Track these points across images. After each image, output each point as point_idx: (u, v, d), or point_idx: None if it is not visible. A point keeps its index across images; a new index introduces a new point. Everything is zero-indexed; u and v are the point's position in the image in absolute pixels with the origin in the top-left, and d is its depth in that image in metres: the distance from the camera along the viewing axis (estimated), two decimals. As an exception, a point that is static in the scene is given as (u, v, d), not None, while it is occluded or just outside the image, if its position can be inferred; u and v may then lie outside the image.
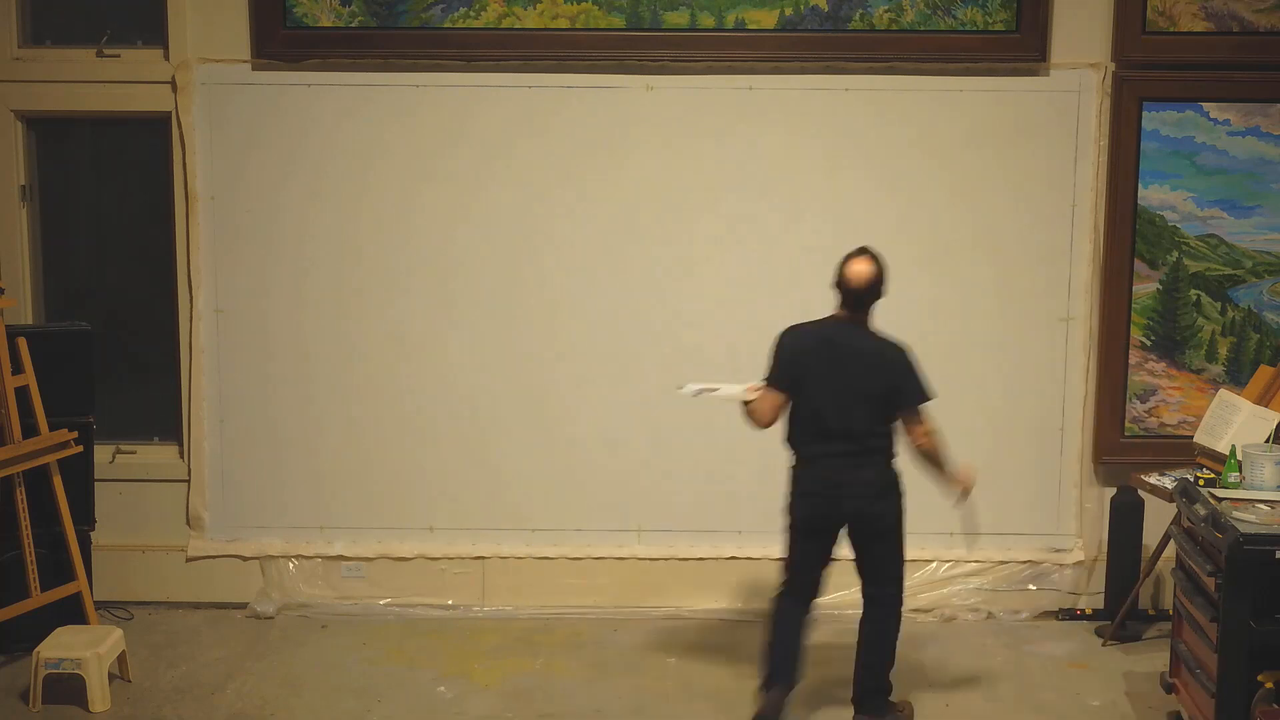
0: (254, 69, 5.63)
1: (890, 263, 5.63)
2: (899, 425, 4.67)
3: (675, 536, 5.83)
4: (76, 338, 5.47)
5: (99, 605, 5.50)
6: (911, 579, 5.75)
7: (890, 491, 4.68)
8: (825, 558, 4.74)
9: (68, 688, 4.87)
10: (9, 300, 5.28)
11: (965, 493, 4.80)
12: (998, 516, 5.79)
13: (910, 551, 5.75)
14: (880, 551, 4.71)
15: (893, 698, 4.82)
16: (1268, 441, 5.02)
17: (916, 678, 5.19)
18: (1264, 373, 5.38)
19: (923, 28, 5.54)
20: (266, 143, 5.66)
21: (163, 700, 4.98)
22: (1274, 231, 5.63)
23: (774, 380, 4.69)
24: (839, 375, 4.61)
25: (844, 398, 4.60)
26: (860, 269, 4.61)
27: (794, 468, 4.72)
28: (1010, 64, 5.56)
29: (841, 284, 4.64)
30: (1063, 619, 5.73)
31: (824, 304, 5.69)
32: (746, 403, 4.74)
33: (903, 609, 4.80)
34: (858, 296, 4.62)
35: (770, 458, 5.74)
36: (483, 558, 5.82)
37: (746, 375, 5.70)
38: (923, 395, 4.68)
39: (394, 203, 5.69)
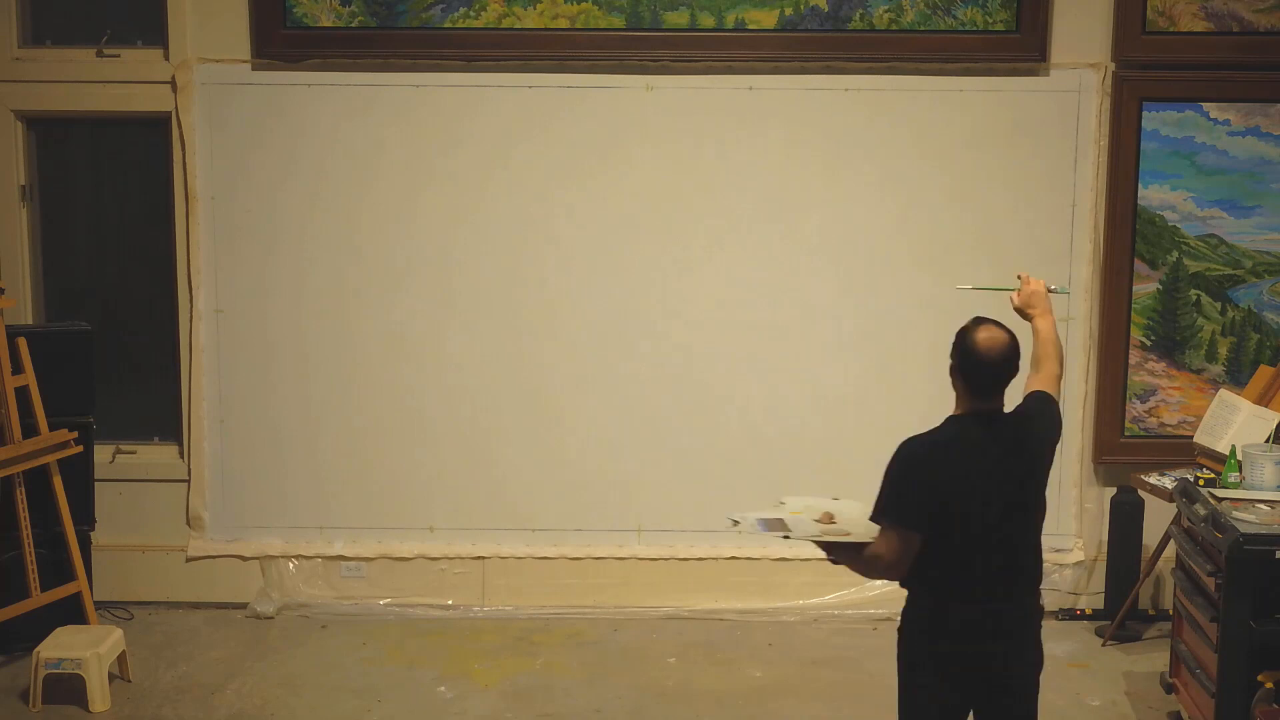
0: (254, 69, 5.63)
1: (890, 263, 5.67)
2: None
3: (675, 536, 5.83)
4: (76, 338, 5.47)
5: (99, 605, 5.50)
6: (911, 579, 5.76)
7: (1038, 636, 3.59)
8: None
9: (68, 688, 4.87)
10: (9, 300, 5.28)
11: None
12: (998, 516, 5.78)
13: (910, 551, 5.78)
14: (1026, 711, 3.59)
15: None
16: (1268, 441, 5.02)
17: (916, 678, 5.19)
18: (1264, 373, 5.38)
19: (923, 28, 5.54)
20: (266, 143, 5.66)
21: (163, 700, 4.98)
22: (1274, 231, 5.63)
23: (907, 517, 3.53)
24: (1005, 491, 3.53)
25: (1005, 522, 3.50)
26: (997, 336, 3.58)
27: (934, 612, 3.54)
28: (1010, 64, 5.56)
29: (972, 362, 3.62)
30: (1063, 619, 5.73)
31: (824, 304, 5.70)
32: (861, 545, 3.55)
33: None
34: (996, 376, 3.59)
35: (770, 458, 5.75)
36: (483, 558, 5.82)
37: (747, 375, 5.72)
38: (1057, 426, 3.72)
39: (394, 203, 5.68)
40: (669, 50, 5.57)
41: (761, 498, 5.79)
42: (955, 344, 3.69)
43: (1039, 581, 3.55)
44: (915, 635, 3.55)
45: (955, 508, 3.47)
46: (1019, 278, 4.05)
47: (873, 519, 3.56)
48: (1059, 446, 5.38)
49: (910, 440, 3.64)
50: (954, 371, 3.69)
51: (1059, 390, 3.81)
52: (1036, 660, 3.54)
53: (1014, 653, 3.48)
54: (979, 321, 3.69)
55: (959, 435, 3.60)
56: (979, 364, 3.60)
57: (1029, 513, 3.54)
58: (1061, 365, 3.85)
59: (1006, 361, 3.56)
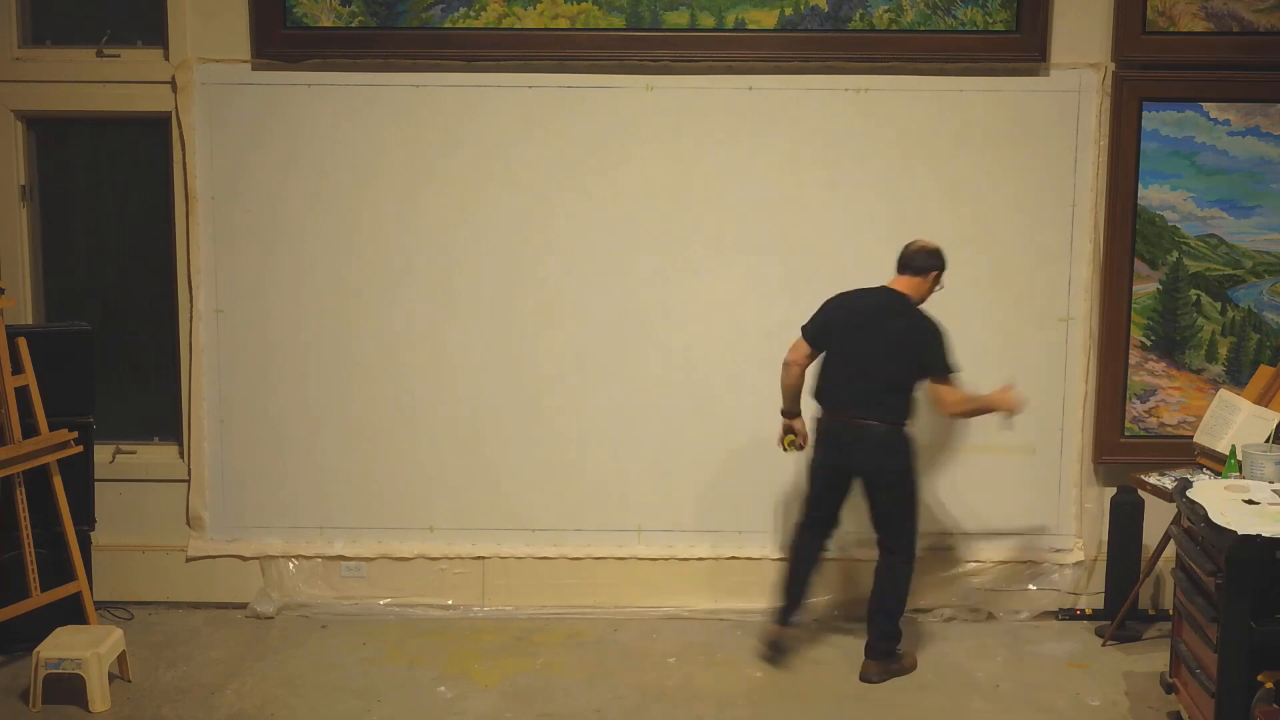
0: (254, 69, 5.63)
1: (890, 262, 5.66)
2: (929, 393, 5.11)
3: (675, 536, 5.83)
4: (76, 338, 5.47)
5: (99, 605, 5.50)
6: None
7: (897, 451, 5.07)
8: (839, 500, 5.22)
9: (68, 688, 4.87)
10: (9, 300, 5.28)
11: (1013, 413, 5.16)
12: (998, 516, 5.79)
13: (910, 551, 5.79)
14: (887, 505, 5.11)
15: (900, 648, 5.23)
16: (1268, 441, 5.03)
17: (917, 678, 5.19)
18: (1264, 373, 5.38)
19: (922, 28, 5.54)
20: (266, 143, 5.66)
21: (163, 700, 4.98)
22: (1274, 231, 5.63)
23: (807, 334, 5.18)
24: (867, 341, 5.06)
25: (868, 362, 5.04)
26: (920, 240, 5.15)
27: (819, 419, 5.18)
28: (1010, 64, 5.56)
29: (901, 252, 5.16)
30: (1063, 619, 5.73)
31: (820, 302, 5.70)
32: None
33: (913, 565, 5.21)
34: (905, 259, 5.13)
35: (770, 458, 5.76)
36: (483, 558, 5.82)
37: (746, 375, 5.73)
38: (946, 370, 5.05)
39: (394, 203, 5.69)
40: (669, 50, 5.57)
41: (761, 497, 5.82)
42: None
43: (899, 420, 5.07)
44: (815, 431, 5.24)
45: (834, 336, 5.12)
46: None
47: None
48: (1059, 441, 5.44)
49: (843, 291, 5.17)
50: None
51: (952, 404, 5.08)
52: (888, 466, 5.06)
53: (861, 452, 5.06)
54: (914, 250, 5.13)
55: (868, 295, 5.15)
56: (902, 252, 5.17)
57: (891, 372, 5.03)
58: (964, 404, 5.13)
59: (913, 251, 5.14)
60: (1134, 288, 5.65)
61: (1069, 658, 5.38)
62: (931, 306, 5.68)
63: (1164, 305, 5.67)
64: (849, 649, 5.43)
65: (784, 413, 5.30)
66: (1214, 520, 4.25)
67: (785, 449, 5.35)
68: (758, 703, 4.98)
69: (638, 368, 5.74)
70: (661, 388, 5.76)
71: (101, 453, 5.72)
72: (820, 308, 5.19)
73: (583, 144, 5.64)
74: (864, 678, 5.16)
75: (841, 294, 5.20)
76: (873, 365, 5.05)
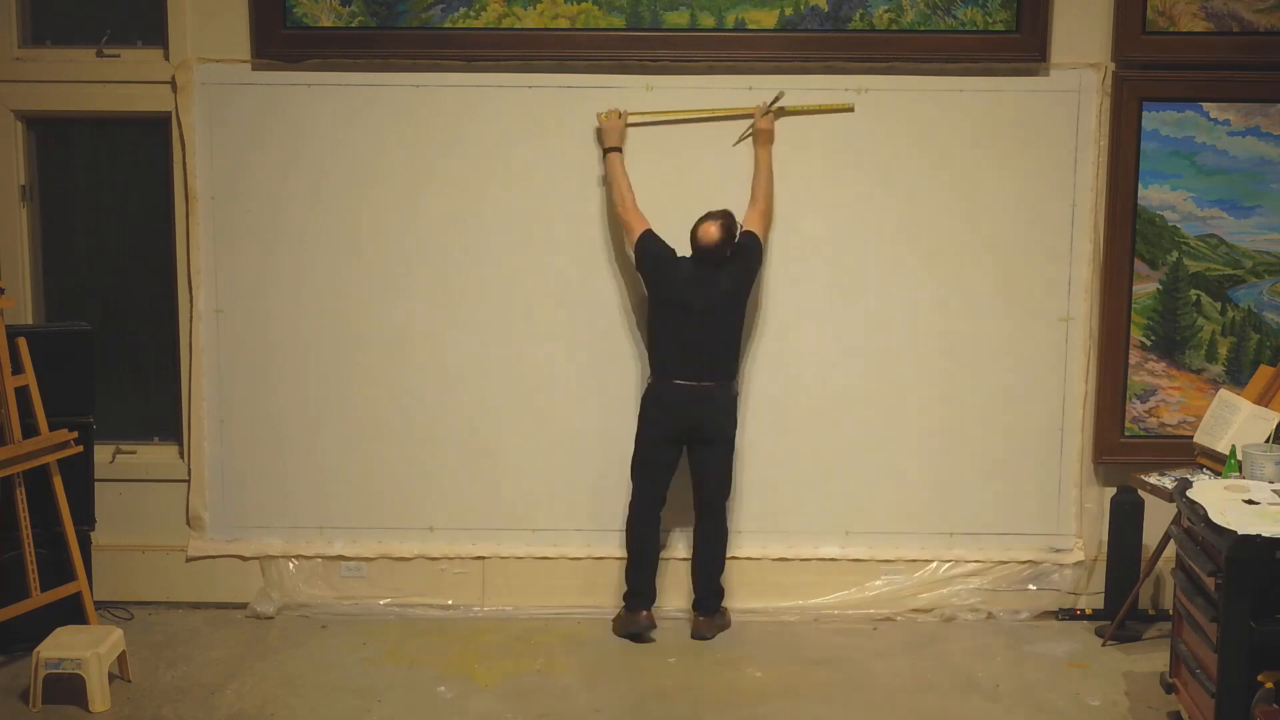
0: (254, 69, 5.63)
1: (890, 262, 5.68)
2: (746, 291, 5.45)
3: (675, 536, 5.82)
4: (76, 338, 5.47)
5: (99, 605, 5.50)
6: (911, 579, 5.77)
7: (734, 410, 5.47)
8: (673, 471, 5.49)
9: (68, 688, 4.87)
10: (9, 300, 5.28)
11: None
12: (998, 516, 5.79)
13: (910, 551, 5.80)
14: (724, 464, 5.47)
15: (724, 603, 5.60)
16: (1268, 441, 5.03)
17: (917, 678, 5.19)
18: (1264, 373, 5.38)
19: (923, 28, 5.54)
20: (266, 143, 5.66)
21: (163, 700, 4.98)
22: (1274, 231, 5.63)
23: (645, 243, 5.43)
24: (696, 307, 5.32)
25: (700, 325, 5.32)
26: (711, 232, 5.31)
27: (653, 384, 5.44)
28: (1010, 64, 5.56)
29: (697, 245, 5.35)
30: (1063, 619, 5.73)
31: (823, 303, 5.71)
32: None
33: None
34: (708, 254, 5.33)
35: (769, 459, 5.76)
36: (483, 558, 5.82)
37: (746, 375, 5.73)
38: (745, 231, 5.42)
39: (394, 203, 5.69)
40: (669, 50, 5.57)
41: (761, 497, 5.82)
42: (695, 223, 5.36)
43: (734, 370, 5.47)
44: (646, 395, 5.47)
45: (666, 289, 5.37)
46: (754, 113, 5.48)
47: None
48: (1059, 441, 5.43)
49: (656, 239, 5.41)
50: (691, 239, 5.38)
51: (770, 216, 5.51)
52: (723, 422, 5.43)
53: (704, 414, 5.37)
54: (710, 216, 5.34)
55: (686, 263, 5.39)
56: (699, 248, 5.34)
57: (728, 324, 5.39)
58: (769, 197, 5.50)
59: (715, 249, 5.32)
60: (1134, 288, 5.65)
61: (1069, 658, 5.38)
62: (933, 306, 5.69)
63: (1164, 305, 5.67)
64: (849, 648, 5.43)
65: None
66: (1214, 520, 4.26)
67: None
68: (758, 702, 4.98)
69: (638, 366, 5.74)
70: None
71: (101, 453, 5.72)
72: (658, 244, 5.40)
73: (583, 144, 5.64)
74: (700, 635, 5.48)
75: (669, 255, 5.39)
76: (711, 325, 5.33)
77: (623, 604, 5.57)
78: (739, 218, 5.42)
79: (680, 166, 5.63)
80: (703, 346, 5.35)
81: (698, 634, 5.49)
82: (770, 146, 5.50)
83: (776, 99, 5.49)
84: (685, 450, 5.48)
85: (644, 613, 5.50)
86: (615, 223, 5.57)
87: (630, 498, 5.56)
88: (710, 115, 5.54)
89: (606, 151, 5.51)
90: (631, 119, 5.54)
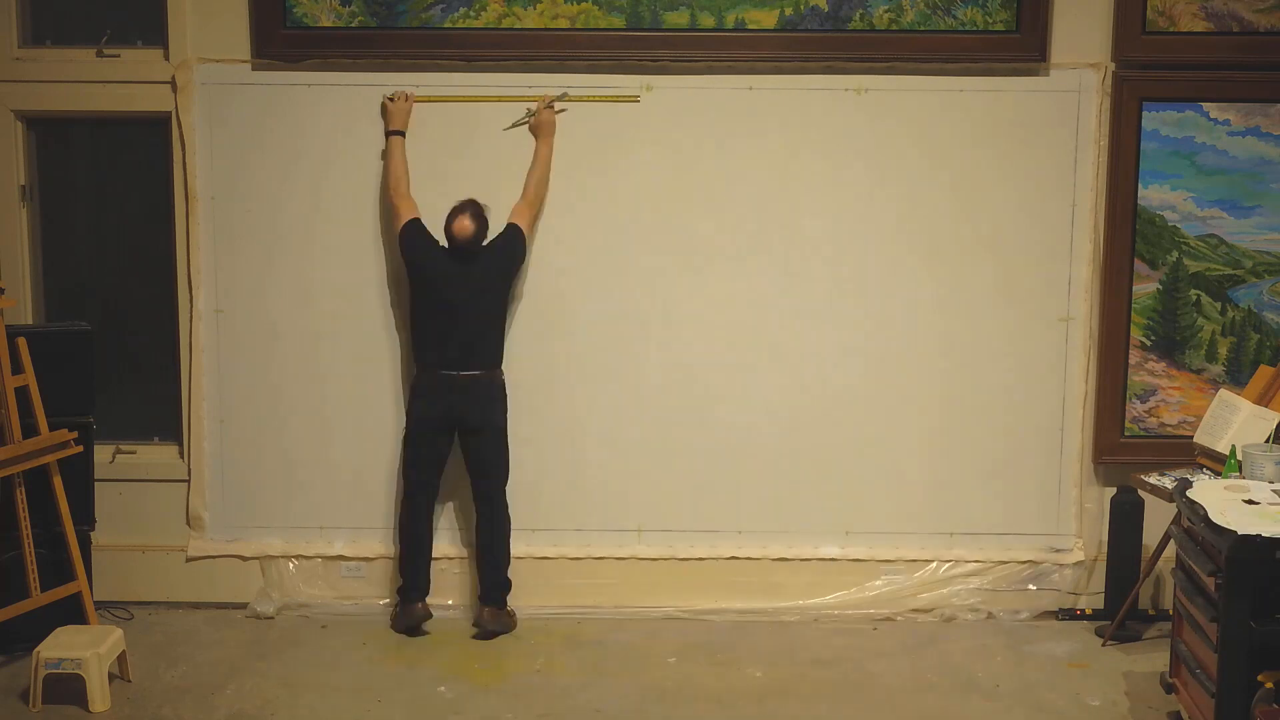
0: (254, 69, 5.63)
1: (890, 262, 5.68)
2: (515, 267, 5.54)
3: (675, 536, 5.83)
4: (76, 338, 5.47)
5: (99, 605, 5.50)
6: (911, 579, 5.77)
7: (498, 396, 5.50)
8: (444, 460, 5.53)
9: (68, 688, 4.87)
10: (9, 300, 5.28)
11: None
12: (998, 516, 5.79)
13: (910, 551, 5.80)
14: (496, 453, 5.52)
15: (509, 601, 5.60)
16: (1268, 441, 5.03)
17: (917, 678, 5.19)
18: (1264, 373, 5.38)
19: (923, 28, 5.54)
20: (266, 143, 5.66)
21: (163, 700, 4.98)
22: (1274, 231, 5.63)
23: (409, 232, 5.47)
24: (454, 298, 5.39)
25: (459, 316, 5.39)
26: (465, 226, 5.37)
27: (418, 376, 5.49)
28: (1010, 64, 5.56)
29: (450, 238, 5.40)
30: (1063, 619, 5.73)
31: (824, 303, 5.71)
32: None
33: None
34: (463, 246, 5.39)
35: (769, 459, 5.76)
36: (483, 558, 5.81)
37: (746, 374, 5.73)
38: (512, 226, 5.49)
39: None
40: (669, 50, 5.57)
41: (761, 497, 5.82)
42: (447, 216, 5.42)
43: (498, 358, 5.51)
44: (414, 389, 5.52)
45: (429, 281, 5.43)
46: (529, 110, 5.54)
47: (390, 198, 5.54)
48: (1059, 441, 5.43)
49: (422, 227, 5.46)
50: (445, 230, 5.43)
51: (538, 208, 5.55)
52: (491, 410, 5.50)
53: (472, 403, 5.43)
54: (460, 209, 5.40)
55: (444, 254, 5.45)
56: (453, 240, 5.40)
57: (489, 314, 5.46)
58: (541, 190, 5.55)
59: (469, 242, 5.37)
60: (1134, 288, 5.65)
61: (1069, 658, 5.38)
62: (933, 306, 5.69)
63: (1164, 305, 5.67)
64: (849, 648, 5.44)
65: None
66: (1214, 520, 4.26)
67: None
68: (758, 702, 4.98)
69: (637, 367, 5.74)
70: (661, 387, 5.76)
71: (101, 453, 5.72)
72: (420, 234, 5.44)
73: (582, 144, 5.64)
74: (483, 624, 5.49)
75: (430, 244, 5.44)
76: (472, 315, 5.40)
77: (397, 598, 5.60)
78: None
79: (679, 164, 5.63)
80: (462, 337, 5.40)
81: (480, 626, 5.49)
82: (551, 139, 5.54)
83: (562, 95, 5.54)
84: (459, 442, 5.53)
85: (419, 604, 5.53)
86: (385, 207, 5.60)
87: (401, 492, 5.62)
88: (499, 99, 5.56)
89: (389, 134, 5.53)
90: (417, 100, 5.56)
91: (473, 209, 5.39)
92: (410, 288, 5.51)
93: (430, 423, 5.47)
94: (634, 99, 5.54)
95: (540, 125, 5.54)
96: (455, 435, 5.51)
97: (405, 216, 5.47)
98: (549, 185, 5.57)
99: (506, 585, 5.58)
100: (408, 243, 5.45)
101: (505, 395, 5.55)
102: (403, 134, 5.53)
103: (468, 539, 5.80)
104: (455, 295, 5.39)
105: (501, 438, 5.55)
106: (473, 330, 5.42)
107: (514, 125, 5.54)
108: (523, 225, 5.48)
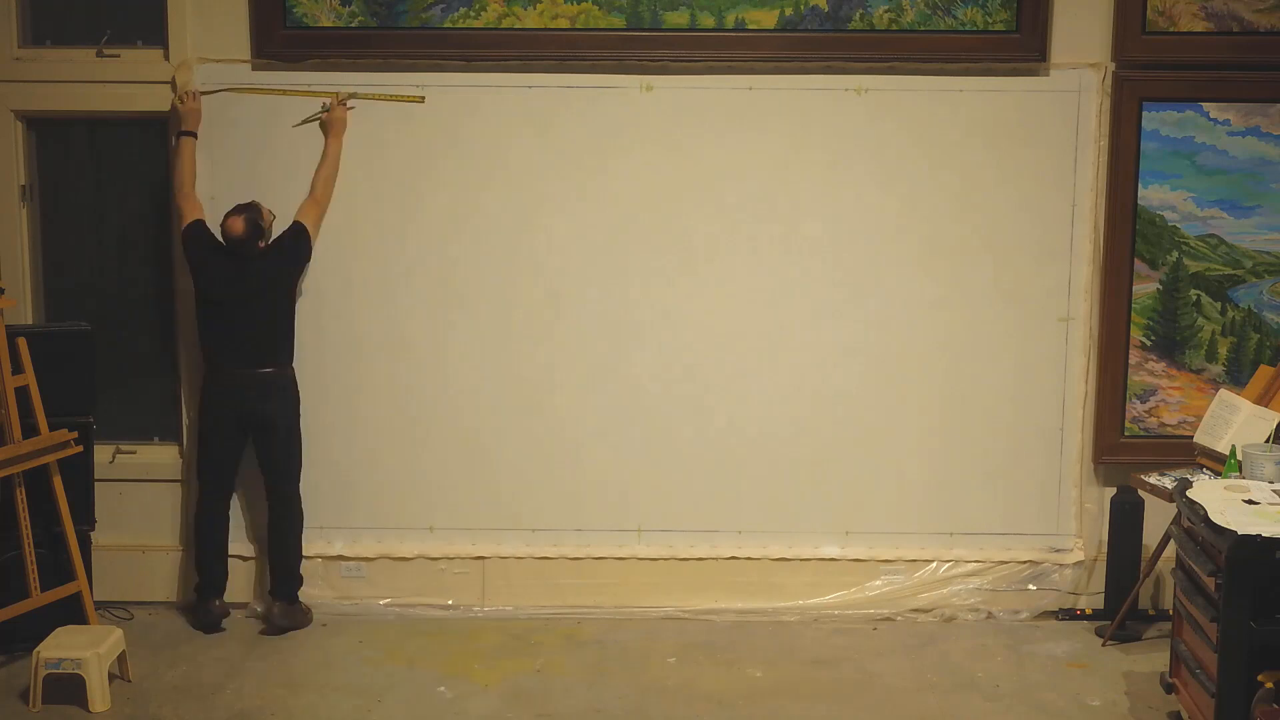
0: (254, 69, 5.63)
1: (890, 262, 5.68)
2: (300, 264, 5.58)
3: (675, 536, 5.83)
4: (76, 338, 5.47)
5: (99, 605, 5.50)
6: (911, 579, 5.77)
7: (287, 392, 5.54)
8: (238, 458, 5.57)
9: (68, 688, 4.87)
10: (9, 300, 5.28)
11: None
12: (998, 516, 5.79)
13: (910, 551, 5.80)
14: (289, 449, 5.57)
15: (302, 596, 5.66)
16: (1268, 441, 5.03)
17: (917, 678, 5.19)
18: (1264, 373, 5.38)
19: (923, 28, 5.54)
20: (266, 143, 5.65)
21: (163, 700, 4.98)
22: (1274, 231, 5.63)
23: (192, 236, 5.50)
24: (233, 297, 5.43)
25: (240, 314, 5.43)
26: (235, 225, 5.40)
27: (208, 375, 5.53)
28: (1010, 64, 5.56)
29: (224, 236, 5.44)
30: (1063, 619, 5.73)
31: (823, 303, 5.71)
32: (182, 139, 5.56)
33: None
34: (238, 246, 5.42)
35: (769, 458, 5.76)
36: (483, 558, 5.82)
37: (746, 374, 5.73)
38: (297, 225, 5.54)
39: (394, 202, 5.68)
40: (669, 50, 5.57)
41: (761, 497, 5.82)
42: (223, 218, 5.45)
43: (287, 355, 5.55)
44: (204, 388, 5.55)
45: (208, 290, 5.46)
46: (323, 105, 5.57)
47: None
48: (1059, 441, 5.42)
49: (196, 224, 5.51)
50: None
51: (325, 206, 5.58)
52: (281, 407, 5.52)
53: (261, 400, 5.47)
54: (235, 210, 5.43)
55: (218, 259, 5.47)
56: (228, 240, 5.43)
57: (272, 313, 5.49)
58: (329, 188, 5.58)
59: (241, 243, 5.41)
60: (1134, 288, 5.65)
61: (1069, 658, 5.38)
62: (933, 306, 5.69)
63: (1164, 305, 5.67)
64: (849, 648, 5.44)
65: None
66: (1214, 520, 4.26)
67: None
68: (758, 702, 4.98)
69: (637, 367, 5.74)
70: (661, 387, 5.76)
71: (101, 453, 5.72)
72: (199, 239, 5.46)
73: (582, 144, 5.64)
74: (274, 623, 5.53)
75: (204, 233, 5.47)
76: (255, 314, 5.44)
77: (195, 596, 5.63)
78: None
79: (679, 164, 5.63)
80: (246, 335, 5.44)
81: (271, 622, 5.54)
82: (341, 137, 5.56)
83: (351, 94, 5.57)
84: (252, 439, 5.57)
85: (216, 601, 5.57)
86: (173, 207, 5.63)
87: (196, 492, 5.63)
88: (306, 93, 5.56)
89: (180, 135, 5.56)
90: (209, 93, 5.58)
91: (248, 212, 5.42)
92: (194, 288, 5.54)
93: (222, 421, 5.51)
94: (419, 99, 5.58)
95: (331, 122, 5.56)
96: (248, 433, 5.55)
97: (189, 217, 5.51)
98: (334, 185, 5.61)
99: (299, 580, 5.64)
100: (188, 243, 5.49)
101: (296, 391, 5.59)
102: (194, 135, 5.55)
103: (471, 537, 5.80)
104: (231, 293, 5.43)
105: (293, 435, 5.58)
106: (255, 328, 5.46)
107: (305, 121, 5.56)
108: (308, 223, 5.53)
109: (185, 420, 5.80)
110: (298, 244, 5.51)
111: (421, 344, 5.75)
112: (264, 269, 5.46)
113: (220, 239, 5.46)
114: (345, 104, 5.57)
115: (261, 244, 5.47)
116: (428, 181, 5.67)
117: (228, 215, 5.42)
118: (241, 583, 5.81)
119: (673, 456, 5.78)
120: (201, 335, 5.52)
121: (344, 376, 5.77)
